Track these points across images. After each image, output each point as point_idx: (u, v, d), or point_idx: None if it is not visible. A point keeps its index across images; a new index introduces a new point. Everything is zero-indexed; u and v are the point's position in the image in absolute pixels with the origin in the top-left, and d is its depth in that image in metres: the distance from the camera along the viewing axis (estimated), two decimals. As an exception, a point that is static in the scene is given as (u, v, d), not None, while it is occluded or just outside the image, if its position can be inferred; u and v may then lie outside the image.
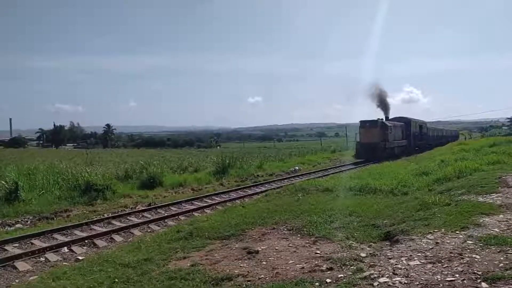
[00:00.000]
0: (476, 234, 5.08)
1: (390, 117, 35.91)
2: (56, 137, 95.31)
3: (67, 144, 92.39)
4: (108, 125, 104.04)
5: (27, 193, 12.03)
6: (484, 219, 5.79)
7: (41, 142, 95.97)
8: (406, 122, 35.01)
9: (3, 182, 12.10)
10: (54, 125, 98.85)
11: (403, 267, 4.16)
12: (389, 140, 29.77)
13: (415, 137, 36.25)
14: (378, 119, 31.20)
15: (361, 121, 30.67)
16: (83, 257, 7.11)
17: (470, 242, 4.78)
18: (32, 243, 8.18)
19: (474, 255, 4.30)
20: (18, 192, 11.70)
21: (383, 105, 37.08)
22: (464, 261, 4.14)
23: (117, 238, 8.74)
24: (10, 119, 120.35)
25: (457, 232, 5.27)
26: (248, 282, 4.23)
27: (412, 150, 33.22)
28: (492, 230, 5.18)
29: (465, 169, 11.72)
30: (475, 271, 3.83)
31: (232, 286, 4.15)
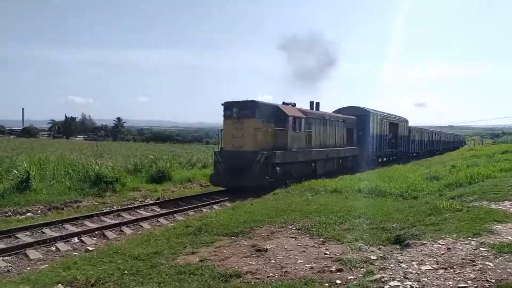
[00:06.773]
0: (488, 241, 5.01)
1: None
2: (67, 128, 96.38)
3: (78, 136, 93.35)
4: (118, 118, 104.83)
5: (38, 183, 12.16)
6: (497, 226, 5.71)
7: (52, 133, 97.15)
8: (358, 116, 21.21)
9: (15, 171, 12.27)
10: (66, 116, 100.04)
11: (414, 272, 4.12)
12: (291, 146, 14.73)
13: (381, 142, 23.37)
14: (284, 102, 15.58)
15: (225, 103, 14.27)
16: (93, 248, 7.16)
17: (482, 249, 4.72)
18: (43, 232, 8.29)
19: (487, 263, 4.24)
20: (30, 181, 11.83)
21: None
22: (477, 268, 4.09)
23: (127, 230, 8.79)
24: (23, 109, 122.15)
25: (469, 238, 5.20)
26: (257, 280, 4.23)
27: (372, 162, 21.26)
28: (505, 238, 5.11)
29: (477, 175, 11.58)
30: (488, 279, 3.78)
31: (241, 283, 4.16)
